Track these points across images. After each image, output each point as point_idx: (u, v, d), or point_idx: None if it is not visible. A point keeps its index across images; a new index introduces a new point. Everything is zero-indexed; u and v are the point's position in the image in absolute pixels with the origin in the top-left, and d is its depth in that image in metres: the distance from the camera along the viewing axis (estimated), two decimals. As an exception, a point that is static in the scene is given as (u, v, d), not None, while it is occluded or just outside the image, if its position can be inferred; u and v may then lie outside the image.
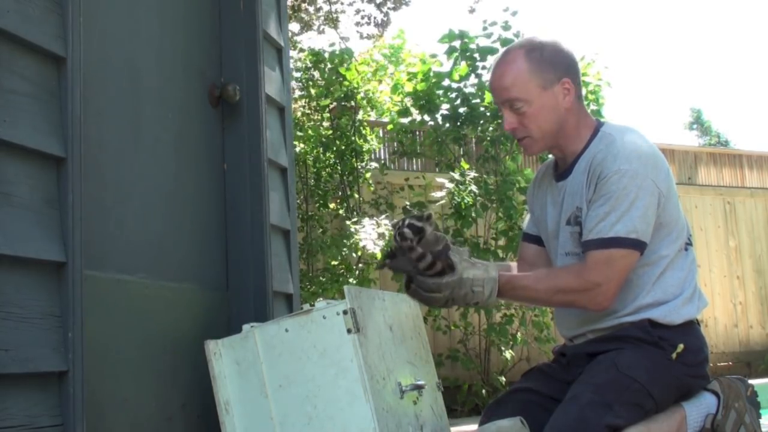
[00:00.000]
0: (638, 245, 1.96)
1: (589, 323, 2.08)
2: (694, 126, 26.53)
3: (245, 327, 2.04)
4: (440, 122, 5.81)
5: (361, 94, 5.81)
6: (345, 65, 5.73)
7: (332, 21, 9.73)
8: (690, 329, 2.04)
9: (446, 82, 5.77)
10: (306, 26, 9.91)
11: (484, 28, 5.69)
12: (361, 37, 10.04)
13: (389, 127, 6.08)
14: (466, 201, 5.41)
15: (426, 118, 5.87)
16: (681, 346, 1.99)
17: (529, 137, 2.07)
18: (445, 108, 5.82)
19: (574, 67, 2.09)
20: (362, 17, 9.92)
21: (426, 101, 5.75)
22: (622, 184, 1.95)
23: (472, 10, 5.22)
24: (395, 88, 5.93)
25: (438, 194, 5.49)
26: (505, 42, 5.68)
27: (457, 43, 5.70)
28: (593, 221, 1.97)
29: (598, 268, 1.95)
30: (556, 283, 2.03)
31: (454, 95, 5.77)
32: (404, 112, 5.94)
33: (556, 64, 2.05)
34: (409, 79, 5.85)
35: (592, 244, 1.97)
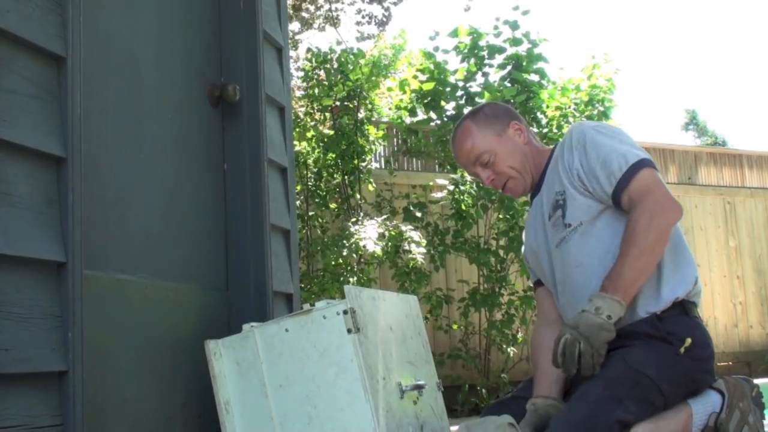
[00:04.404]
0: (653, 164, 2.05)
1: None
2: (690, 127, 26.48)
3: (245, 327, 2.04)
4: (446, 121, 5.78)
5: (363, 92, 5.77)
6: (350, 66, 5.71)
7: (332, 20, 9.73)
8: (696, 323, 2.06)
9: (452, 79, 5.74)
10: (306, 25, 9.92)
11: (495, 27, 5.67)
12: (363, 36, 10.04)
13: (398, 123, 6.04)
14: (466, 202, 5.40)
15: (432, 116, 5.84)
16: (689, 341, 1.99)
17: (510, 178, 2.23)
18: (450, 107, 5.80)
19: (515, 113, 2.33)
20: (363, 16, 9.93)
21: (432, 99, 5.73)
22: (600, 130, 2.12)
23: (467, 8, 5.26)
24: (401, 86, 5.90)
25: (438, 195, 5.48)
26: (514, 42, 5.65)
27: (466, 40, 5.67)
28: (604, 169, 2.03)
29: (647, 188, 1.99)
30: (635, 232, 1.98)
31: (459, 93, 5.74)
32: (411, 111, 5.92)
33: (498, 115, 2.28)
34: (414, 77, 5.83)
35: (624, 181, 2.01)
